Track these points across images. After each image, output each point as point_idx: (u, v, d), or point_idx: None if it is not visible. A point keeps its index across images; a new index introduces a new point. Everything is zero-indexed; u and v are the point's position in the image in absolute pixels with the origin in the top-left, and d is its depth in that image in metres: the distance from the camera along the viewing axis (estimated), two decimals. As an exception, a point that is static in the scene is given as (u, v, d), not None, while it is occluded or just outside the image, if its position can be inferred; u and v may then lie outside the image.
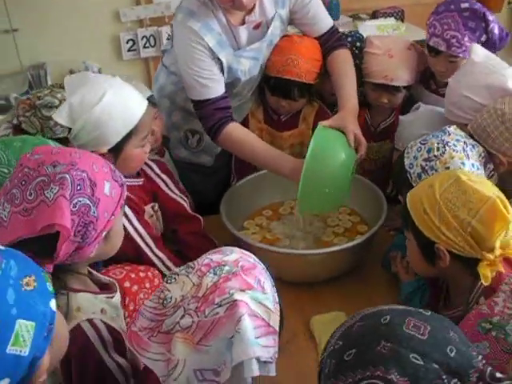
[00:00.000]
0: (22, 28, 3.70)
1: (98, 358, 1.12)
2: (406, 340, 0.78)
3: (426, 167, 1.51)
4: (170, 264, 1.68)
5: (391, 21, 4.03)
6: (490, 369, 0.79)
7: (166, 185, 1.87)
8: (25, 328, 0.78)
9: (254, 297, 0.97)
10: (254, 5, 1.92)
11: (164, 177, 1.87)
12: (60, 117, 1.47)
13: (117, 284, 1.30)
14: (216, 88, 1.91)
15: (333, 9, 4.20)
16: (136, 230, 1.63)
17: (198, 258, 1.06)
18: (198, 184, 2.28)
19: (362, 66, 2.17)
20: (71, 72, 3.78)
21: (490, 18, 1.99)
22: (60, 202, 1.07)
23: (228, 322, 0.93)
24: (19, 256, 0.86)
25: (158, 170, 1.87)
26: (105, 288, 1.26)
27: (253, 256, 1.08)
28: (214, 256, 1.04)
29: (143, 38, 3.96)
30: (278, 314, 1.03)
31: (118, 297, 1.26)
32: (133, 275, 1.49)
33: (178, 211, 1.85)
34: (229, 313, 0.94)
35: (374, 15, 4.18)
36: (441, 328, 0.82)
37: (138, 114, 1.55)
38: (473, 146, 1.56)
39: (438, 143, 1.52)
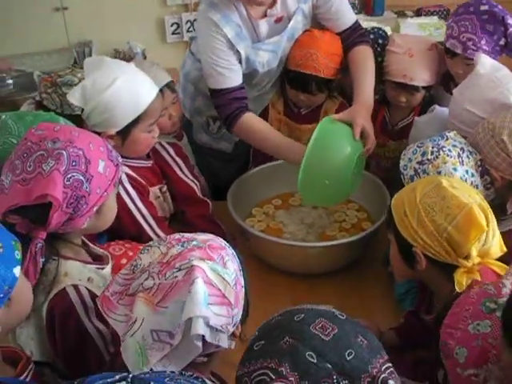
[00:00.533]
0: (72, 7, 3.86)
1: (79, 321, 1.22)
2: (307, 338, 0.84)
3: (419, 170, 1.54)
4: None
5: (434, 19, 3.98)
6: (383, 376, 0.83)
7: (180, 168, 1.95)
8: None
9: (213, 267, 1.03)
10: (275, 0, 1.96)
11: (178, 160, 1.95)
12: (73, 97, 1.57)
13: (110, 257, 1.39)
14: (233, 78, 1.97)
15: (377, 4, 4.19)
16: (139, 209, 1.71)
17: None
18: (218, 169, 2.37)
19: (383, 64, 2.18)
20: (116, 51, 3.92)
21: (510, 21, 1.96)
22: (54, 175, 1.17)
23: (184, 286, 0.99)
24: None
25: (173, 153, 1.95)
26: (98, 260, 1.36)
27: (224, 241, 1.13)
28: (186, 234, 1.12)
29: (187, 22, 4.06)
30: (241, 295, 1.08)
31: (108, 269, 1.35)
32: (131, 253, 1.56)
33: (187, 193, 1.93)
34: (186, 277, 1.00)
35: (418, 12, 4.13)
36: (349, 332, 0.87)
37: (147, 101, 1.63)
38: (470, 153, 1.56)
39: (433, 147, 1.54)
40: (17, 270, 0.96)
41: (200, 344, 0.99)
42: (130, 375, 0.74)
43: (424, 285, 1.56)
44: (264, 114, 2.24)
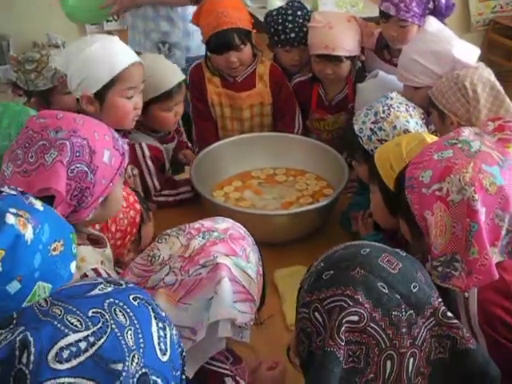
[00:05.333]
0: (-16, 0, 3.68)
1: None
2: (377, 270, 0.89)
3: (375, 129, 1.67)
4: None
5: (350, -4, 4.11)
6: (443, 308, 0.91)
7: (149, 172, 1.97)
8: (42, 289, 0.86)
9: (237, 263, 1.01)
10: None
11: (149, 163, 1.96)
12: (56, 61, 1.61)
13: (105, 237, 1.37)
14: None
15: (295, -16, 4.26)
16: None
17: None
18: None
19: (308, 42, 2.25)
20: (34, 44, 3.78)
21: None
22: (57, 167, 1.13)
23: (209, 283, 0.98)
24: (54, 219, 0.92)
25: (147, 154, 1.95)
26: (96, 243, 1.33)
27: (243, 228, 1.12)
28: (205, 222, 1.09)
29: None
30: (261, 285, 1.08)
31: (108, 250, 1.34)
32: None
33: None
34: (211, 274, 0.98)
35: (335, -9, 4.25)
36: (410, 267, 0.93)
37: (123, 63, 1.66)
38: (414, 108, 1.73)
39: (383, 106, 1.68)
40: (73, 266, 0.93)
41: (224, 343, 1.00)
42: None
43: (392, 234, 1.66)
44: (202, 90, 2.29)
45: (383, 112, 1.68)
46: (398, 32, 2.19)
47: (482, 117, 1.67)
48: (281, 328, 1.53)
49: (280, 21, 2.28)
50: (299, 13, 2.28)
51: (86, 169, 1.17)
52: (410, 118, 1.68)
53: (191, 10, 2.42)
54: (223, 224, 1.09)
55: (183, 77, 1.99)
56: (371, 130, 1.68)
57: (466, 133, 1.22)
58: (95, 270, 1.21)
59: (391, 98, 1.72)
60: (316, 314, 0.89)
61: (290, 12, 2.28)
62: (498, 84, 1.73)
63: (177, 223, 1.13)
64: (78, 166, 1.16)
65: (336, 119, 2.38)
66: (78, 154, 1.16)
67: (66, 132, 1.16)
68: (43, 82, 1.69)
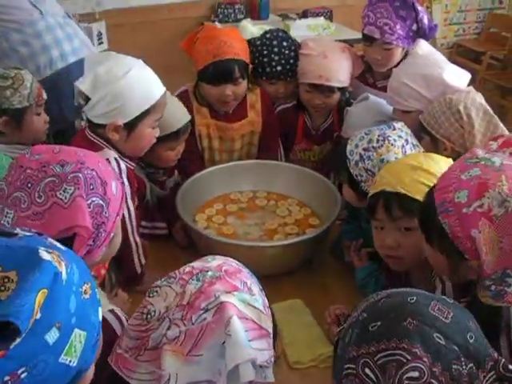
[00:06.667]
0: None
1: None
2: (431, 319, 0.82)
3: (364, 156, 1.60)
4: None
5: (321, 20, 4.13)
6: (503, 360, 0.84)
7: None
8: (78, 338, 0.73)
9: (242, 298, 0.93)
10: None
11: (126, 182, 1.84)
12: (83, 84, 1.50)
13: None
14: None
15: (262, 8, 4.29)
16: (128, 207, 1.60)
17: None
18: None
19: (297, 69, 2.19)
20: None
21: (420, 8, 2.14)
22: (79, 203, 1.02)
23: (217, 327, 0.89)
24: (78, 259, 0.80)
25: (124, 175, 1.82)
26: None
27: (235, 261, 1.04)
28: (195, 264, 1.00)
29: None
30: (270, 316, 1.00)
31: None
32: None
33: None
34: (217, 317, 0.89)
35: (304, 15, 4.27)
36: (462, 316, 0.86)
37: (157, 94, 1.62)
38: (413, 146, 1.64)
39: (379, 135, 1.61)
40: (100, 312, 0.80)
41: None
42: None
43: (387, 266, 1.61)
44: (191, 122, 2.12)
45: (377, 141, 1.60)
46: (382, 55, 2.17)
47: (476, 141, 1.65)
48: (285, 368, 1.45)
49: (265, 52, 2.17)
50: (285, 43, 2.18)
51: (101, 202, 1.06)
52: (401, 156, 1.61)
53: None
54: (215, 262, 1.00)
55: (189, 117, 1.91)
56: (360, 155, 1.61)
57: (481, 152, 1.18)
58: (112, 312, 1.13)
59: (393, 129, 1.64)
60: (366, 370, 0.81)
61: (275, 43, 2.18)
62: (489, 108, 1.72)
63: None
64: (94, 199, 1.05)
65: (322, 150, 2.33)
66: (91, 187, 1.05)
67: (73, 165, 1.05)
68: (19, 99, 1.59)
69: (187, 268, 0.97)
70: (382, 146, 1.59)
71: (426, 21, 2.13)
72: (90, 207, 1.04)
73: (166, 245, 1.91)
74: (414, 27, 2.14)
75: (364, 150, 1.61)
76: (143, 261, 1.67)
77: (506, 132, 1.67)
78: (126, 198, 1.56)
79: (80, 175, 1.04)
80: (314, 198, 2.04)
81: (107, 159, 1.39)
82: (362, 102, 2.09)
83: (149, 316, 0.91)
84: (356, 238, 1.85)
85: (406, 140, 1.63)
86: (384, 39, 2.12)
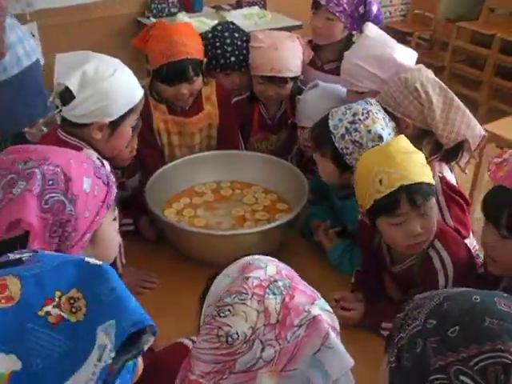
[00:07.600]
0: None
1: None
2: (505, 316, 0.80)
3: (351, 128, 1.66)
4: None
5: (256, 9, 4.16)
6: None
7: None
8: None
9: (321, 306, 0.91)
10: None
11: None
12: (70, 82, 1.48)
13: None
14: None
15: (196, 0, 4.26)
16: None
17: None
18: None
19: (249, 62, 2.20)
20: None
21: None
22: (25, 197, 1.00)
23: (310, 340, 0.86)
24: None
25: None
26: None
27: (274, 259, 0.99)
28: (255, 273, 0.92)
29: None
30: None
31: None
32: None
33: None
34: (310, 330, 0.86)
35: (238, 5, 4.29)
36: None
37: (139, 94, 1.66)
38: (389, 120, 1.72)
39: (362, 109, 1.67)
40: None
41: None
42: None
43: (364, 240, 1.66)
44: (148, 118, 2.10)
45: (362, 114, 1.66)
46: (323, 24, 2.22)
47: (437, 117, 1.71)
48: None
49: (218, 44, 2.18)
50: (236, 34, 2.20)
51: (62, 198, 1.03)
52: (386, 128, 1.68)
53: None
54: (269, 266, 0.93)
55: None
56: (346, 128, 1.66)
57: None
58: None
59: (371, 104, 1.72)
60: (462, 377, 0.77)
61: (227, 34, 2.19)
62: (443, 84, 1.79)
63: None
64: (53, 195, 1.02)
65: (279, 138, 2.36)
66: (50, 183, 1.02)
67: (35, 161, 1.03)
68: None
69: (254, 281, 0.90)
70: (367, 118, 1.67)
71: (374, 8, 2.19)
72: (47, 203, 1.02)
73: (133, 240, 1.87)
74: (361, 9, 2.19)
75: (350, 123, 1.67)
76: (124, 260, 1.65)
77: (462, 105, 1.75)
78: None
79: (36, 171, 1.02)
80: (279, 183, 2.07)
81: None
82: (312, 89, 2.11)
83: (230, 339, 0.85)
84: (323, 218, 1.91)
85: (384, 114, 1.72)
86: (329, 8, 2.17)
